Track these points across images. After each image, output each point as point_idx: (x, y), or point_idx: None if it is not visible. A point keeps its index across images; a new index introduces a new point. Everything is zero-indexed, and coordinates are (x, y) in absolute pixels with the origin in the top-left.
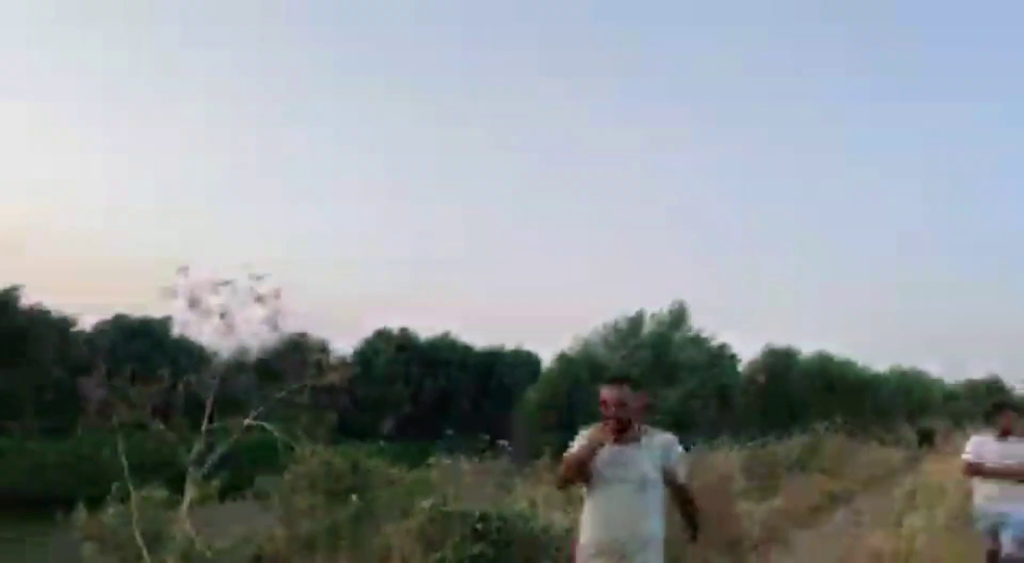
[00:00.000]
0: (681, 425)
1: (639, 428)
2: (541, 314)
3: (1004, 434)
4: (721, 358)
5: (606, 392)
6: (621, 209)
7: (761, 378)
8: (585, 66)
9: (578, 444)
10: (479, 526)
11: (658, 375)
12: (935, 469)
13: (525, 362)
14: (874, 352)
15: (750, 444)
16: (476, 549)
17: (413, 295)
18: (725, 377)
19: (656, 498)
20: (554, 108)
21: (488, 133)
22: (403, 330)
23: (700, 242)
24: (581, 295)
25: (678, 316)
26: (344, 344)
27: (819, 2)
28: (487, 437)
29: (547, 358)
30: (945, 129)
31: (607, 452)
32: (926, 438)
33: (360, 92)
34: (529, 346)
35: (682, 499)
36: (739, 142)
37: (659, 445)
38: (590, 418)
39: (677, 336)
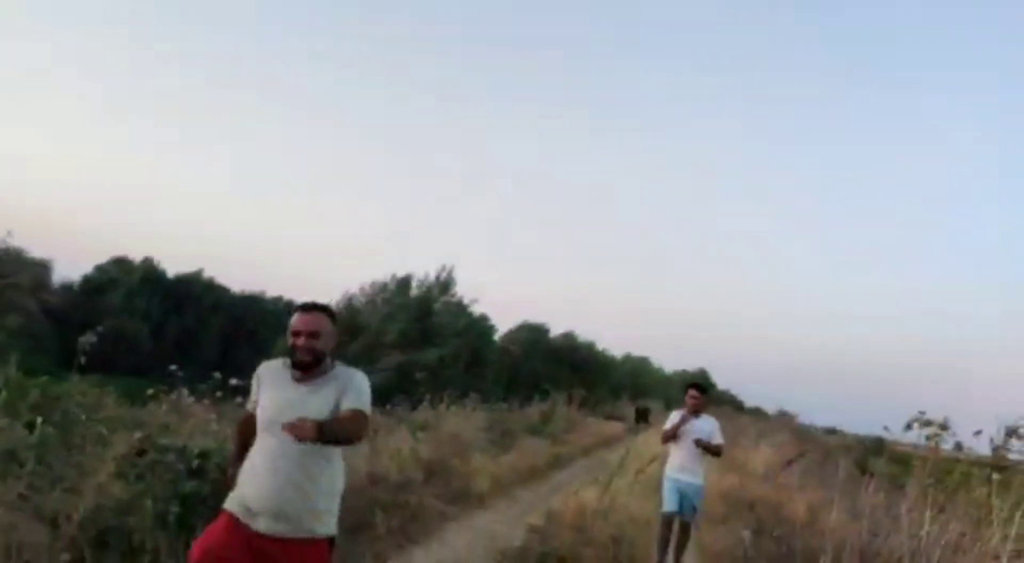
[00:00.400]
0: (436, 382)
1: (331, 362)
2: (312, 267)
3: (695, 412)
4: (479, 326)
5: (298, 319)
6: (410, 176)
7: (514, 349)
8: None
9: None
10: (195, 463)
11: (418, 335)
12: (645, 440)
13: (285, 311)
14: (614, 338)
15: (495, 406)
16: (189, 487)
17: (172, 230)
18: (481, 344)
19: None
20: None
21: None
22: (147, 260)
23: (476, 217)
24: (356, 254)
25: (445, 282)
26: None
27: None
28: (219, 375)
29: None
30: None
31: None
32: (642, 415)
33: None
34: (293, 296)
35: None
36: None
37: (345, 381)
38: None
39: (441, 301)
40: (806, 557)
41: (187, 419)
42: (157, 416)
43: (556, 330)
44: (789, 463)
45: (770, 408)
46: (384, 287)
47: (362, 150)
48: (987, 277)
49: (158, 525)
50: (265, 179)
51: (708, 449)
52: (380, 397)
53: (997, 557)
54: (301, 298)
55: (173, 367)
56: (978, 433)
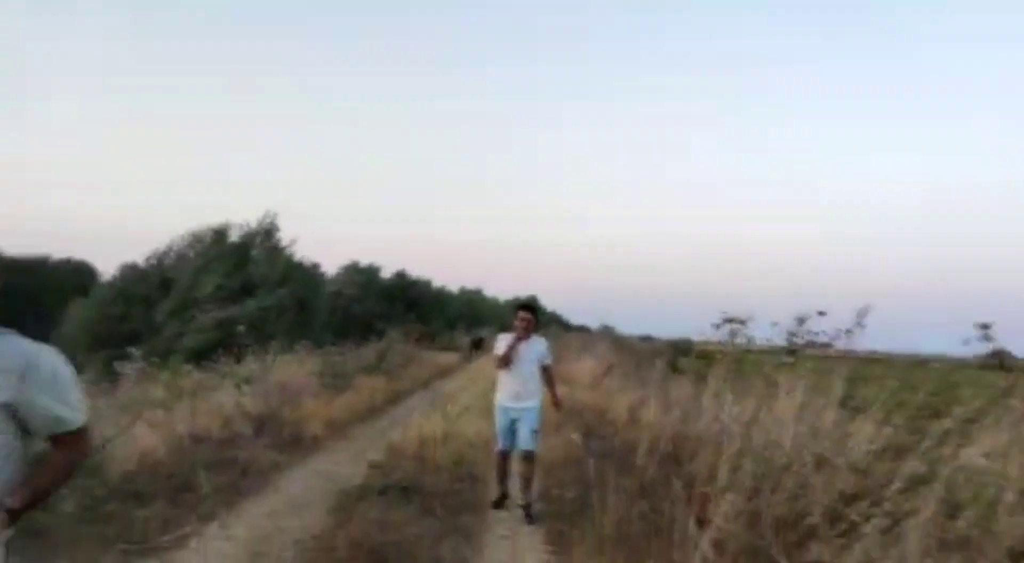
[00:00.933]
0: (259, 335)
1: None
2: (102, 226)
3: (525, 333)
4: (305, 272)
5: None
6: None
7: (347, 291)
8: None
9: None
10: None
11: (237, 287)
12: (479, 367)
13: (75, 273)
14: (448, 274)
15: (327, 352)
16: None
17: None
18: (308, 291)
19: None
20: None
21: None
22: None
23: (295, 160)
24: (162, 207)
25: (267, 229)
26: None
27: None
28: None
29: (108, 270)
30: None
31: None
32: (476, 344)
33: None
34: (82, 255)
35: None
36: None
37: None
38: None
39: (260, 248)
40: (627, 450)
41: None
42: None
43: (388, 271)
44: (608, 370)
45: (594, 325)
46: (199, 239)
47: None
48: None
49: None
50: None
51: (549, 382)
52: (198, 356)
53: (784, 422)
54: (97, 260)
55: None
56: (775, 325)
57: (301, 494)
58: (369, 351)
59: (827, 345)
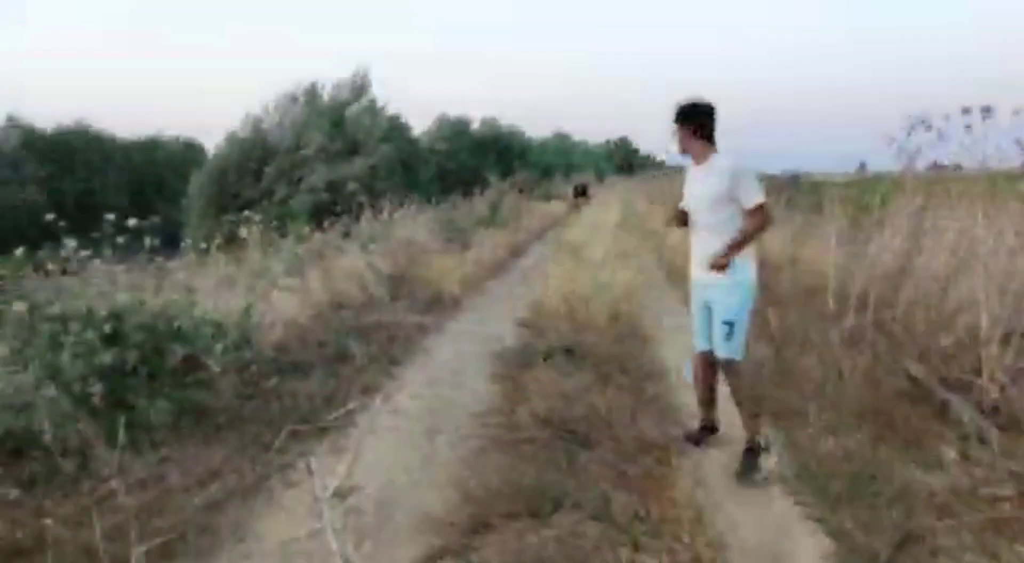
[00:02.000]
0: (371, 193)
1: None
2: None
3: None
4: (402, 128)
5: None
6: None
7: (439, 146)
8: None
9: None
10: (108, 327)
11: (341, 146)
12: (591, 215)
13: (188, 151)
14: (534, 119)
15: (439, 208)
16: (107, 358)
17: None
18: (408, 146)
19: None
20: None
21: None
22: (11, 120)
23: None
24: (246, 71)
25: (360, 86)
26: None
27: None
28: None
29: (212, 146)
30: None
31: None
32: (581, 191)
33: None
34: (191, 134)
35: None
36: None
37: None
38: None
39: (355, 107)
40: (806, 294)
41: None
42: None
43: (476, 121)
44: None
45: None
46: (293, 100)
47: None
48: None
49: (81, 411)
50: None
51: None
52: (314, 217)
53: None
54: (202, 136)
55: (62, 224)
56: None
57: (455, 359)
58: (480, 204)
59: None
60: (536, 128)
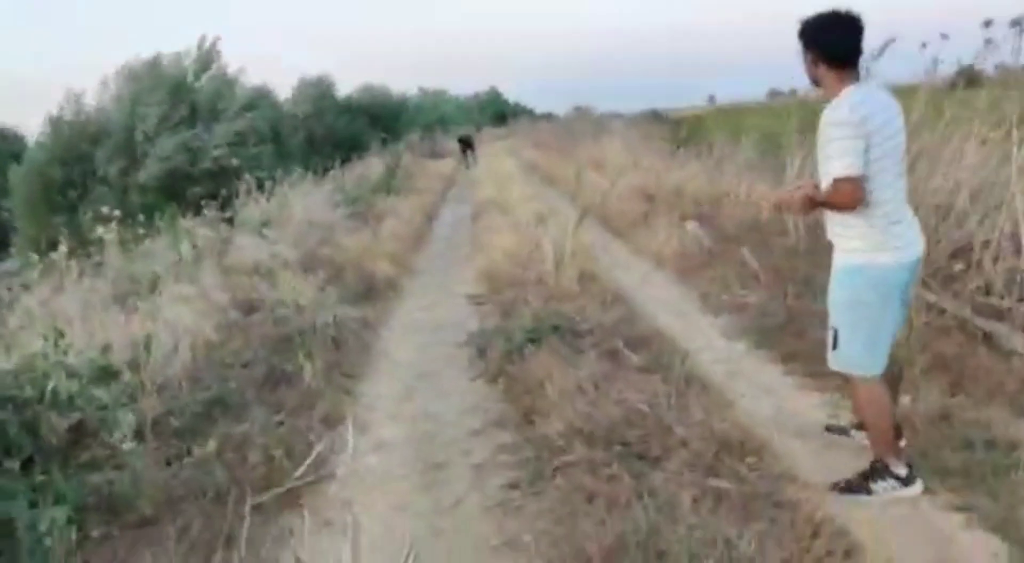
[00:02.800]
0: (244, 164)
1: None
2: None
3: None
4: (267, 97)
5: None
6: None
7: (303, 110)
8: None
9: None
10: None
11: (187, 113)
12: (488, 169)
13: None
14: (397, 76)
15: (327, 178)
16: None
17: None
18: (272, 114)
19: None
20: None
21: None
22: None
23: None
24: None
25: (205, 57)
26: None
27: None
28: None
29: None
30: None
31: None
32: (466, 144)
33: None
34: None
35: None
36: None
37: None
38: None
39: (205, 77)
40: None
41: None
42: None
43: (342, 84)
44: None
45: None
46: (131, 76)
47: None
48: None
49: None
50: None
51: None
52: (168, 193)
53: None
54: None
55: None
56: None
57: (421, 358)
58: (370, 169)
59: None
60: (402, 86)
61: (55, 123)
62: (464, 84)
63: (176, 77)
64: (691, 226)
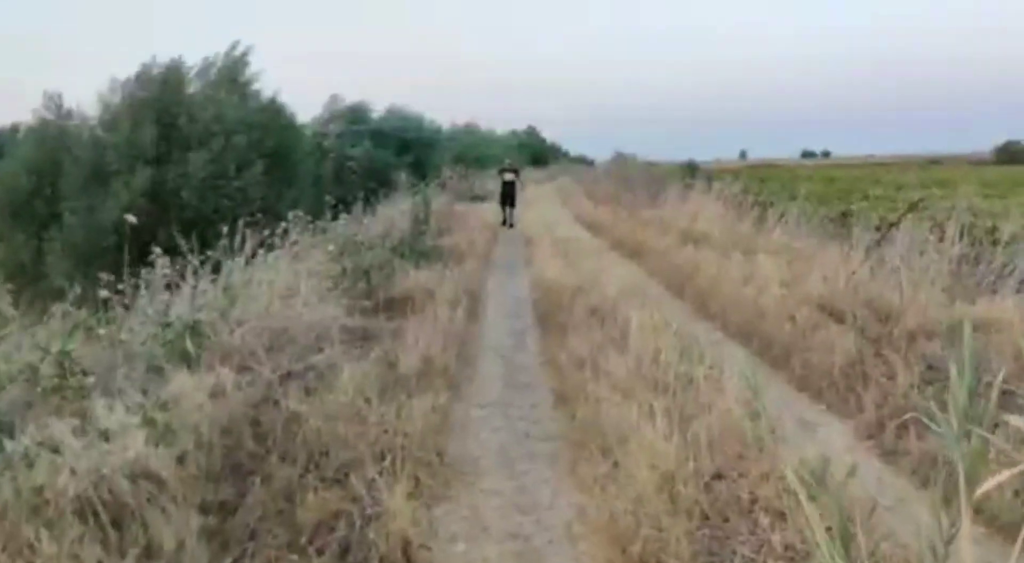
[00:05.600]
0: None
1: None
2: None
3: None
4: (278, 115)
5: None
6: None
7: (332, 132)
8: None
9: None
10: None
11: (172, 140)
12: (539, 220)
13: None
14: (433, 108)
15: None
16: None
17: None
18: (285, 136)
19: None
20: None
21: None
22: None
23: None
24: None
25: (232, 66)
26: None
27: None
28: None
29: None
30: None
31: None
32: (510, 185)
33: None
34: None
35: None
36: None
37: None
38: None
39: (205, 89)
40: None
41: None
42: None
43: (378, 107)
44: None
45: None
46: (136, 80)
47: None
48: None
49: None
50: None
51: None
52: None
53: None
54: None
55: None
56: None
57: None
58: (395, 215)
59: None
60: (440, 119)
61: (39, 132)
62: (496, 120)
63: (172, 91)
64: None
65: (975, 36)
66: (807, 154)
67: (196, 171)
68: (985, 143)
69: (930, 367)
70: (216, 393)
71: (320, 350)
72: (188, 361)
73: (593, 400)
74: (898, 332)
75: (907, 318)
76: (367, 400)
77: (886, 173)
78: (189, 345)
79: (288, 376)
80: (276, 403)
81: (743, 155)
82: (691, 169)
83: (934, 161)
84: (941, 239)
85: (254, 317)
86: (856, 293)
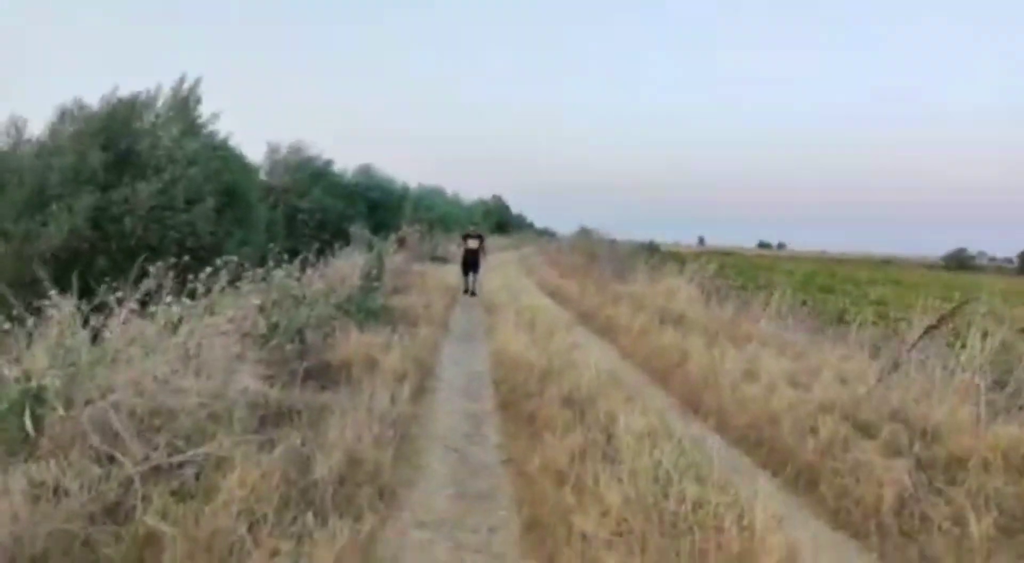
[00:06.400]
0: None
1: None
2: None
3: None
4: (230, 156)
5: None
6: None
7: (283, 182)
8: None
9: None
10: None
11: (111, 162)
12: (503, 285)
13: None
14: (403, 170)
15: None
16: None
17: None
18: (237, 176)
19: None
20: None
21: None
22: None
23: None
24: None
25: (181, 103)
26: None
27: None
28: None
29: None
30: None
31: None
32: (472, 253)
33: None
34: None
35: None
36: None
37: None
38: None
39: (154, 123)
40: None
41: None
42: None
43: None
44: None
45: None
46: (71, 115)
47: None
48: None
49: None
50: None
51: None
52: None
53: None
54: None
55: None
56: None
57: None
58: (344, 268)
59: None
60: (409, 179)
61: None
62: (463, 187)
63: (119, 120)
64: None
65: (923, 149)
66: (763, 245)
67: (144, 200)
68: (932, 249)
69: (1001, 512)
70: (42, 496)
71: (211, 436)
72: (15, 446)
73: (578, 538)
74: (945, 457)
75: (949, 439)
76: (259, 519)
77: (840, 268)
78: (28, 423)
79: (156, 471)
80: (130, 514)
81: (701, 241)
82: (653, 250)
83: (886, 261)
84: (963, 345)
85: (129, 384)
86: (883, 403)
